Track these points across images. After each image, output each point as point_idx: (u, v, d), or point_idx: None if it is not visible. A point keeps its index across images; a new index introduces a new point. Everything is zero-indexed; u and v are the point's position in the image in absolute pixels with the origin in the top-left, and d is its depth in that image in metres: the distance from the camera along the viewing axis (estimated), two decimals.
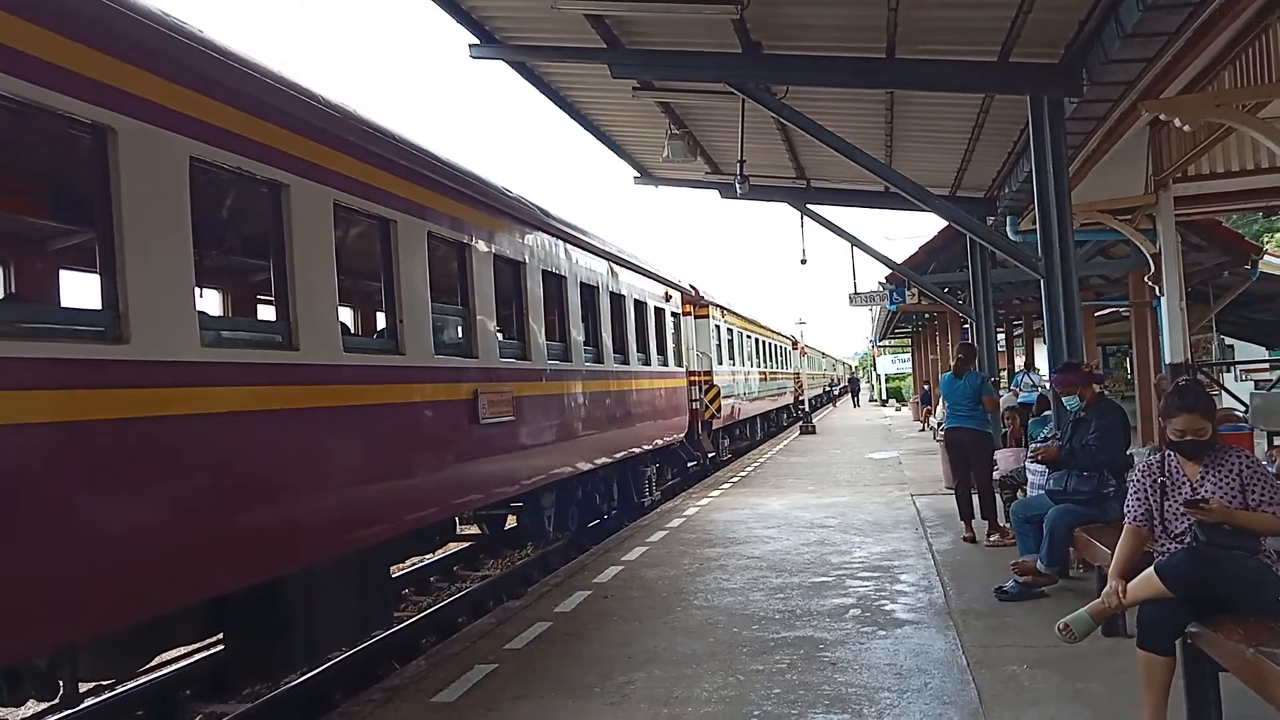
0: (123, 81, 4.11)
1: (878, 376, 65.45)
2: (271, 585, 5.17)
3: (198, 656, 7.29)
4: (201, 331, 4.55)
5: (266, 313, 7.75)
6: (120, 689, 6.53)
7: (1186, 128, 7.97)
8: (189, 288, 4.50)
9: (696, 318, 17.96)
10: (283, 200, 5.23)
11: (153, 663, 6.31)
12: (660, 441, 13.71)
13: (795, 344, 38.76)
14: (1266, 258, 16.46)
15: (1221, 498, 4.03)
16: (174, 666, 7.06)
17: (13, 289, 6.47)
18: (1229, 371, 17.80)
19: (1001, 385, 16.08)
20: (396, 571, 9.32)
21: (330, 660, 6.80)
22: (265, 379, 4.99)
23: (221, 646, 6.23)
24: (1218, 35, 7.02)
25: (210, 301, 8.09)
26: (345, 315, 9.18)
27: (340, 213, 5.78)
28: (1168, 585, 3.86)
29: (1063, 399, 6.62)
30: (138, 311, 4.10)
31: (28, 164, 5.43)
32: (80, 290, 6.81)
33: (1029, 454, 7.82)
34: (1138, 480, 4.35)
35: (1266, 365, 21.69)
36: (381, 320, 7.11)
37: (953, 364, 9.66)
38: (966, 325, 17.76)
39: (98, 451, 3.91)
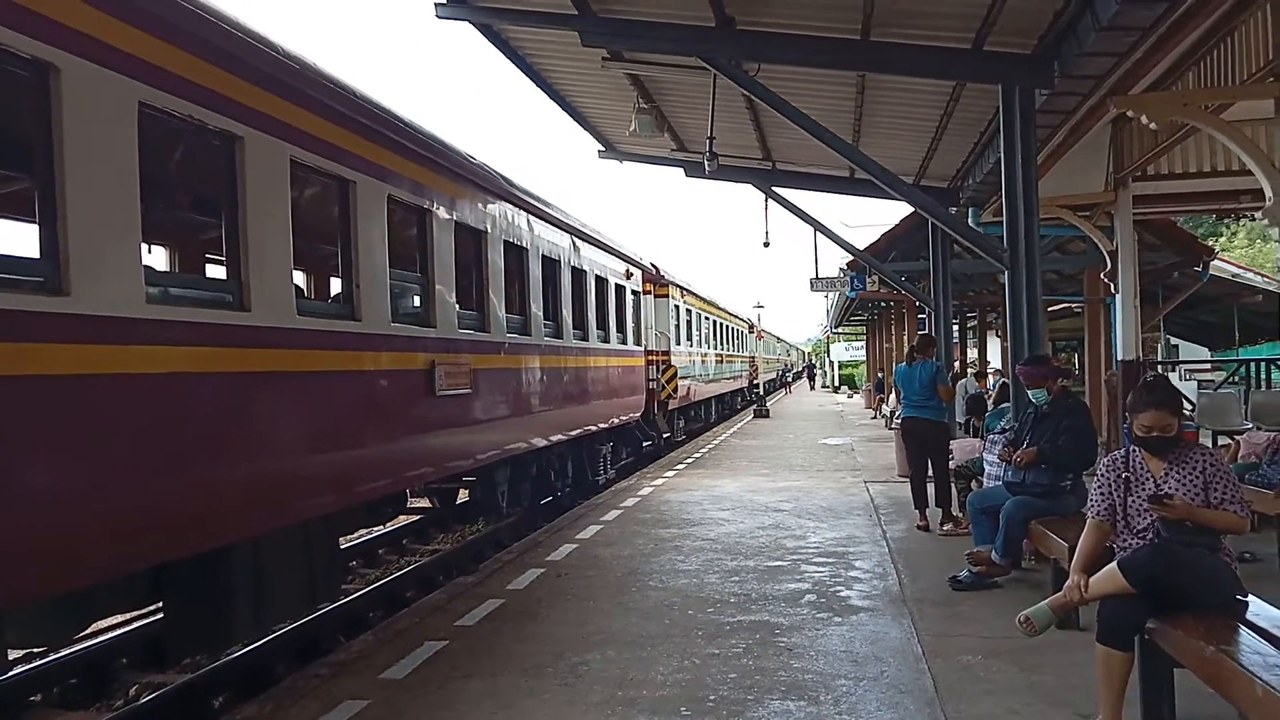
0: (68, 17, 3.85)
1: (831, 363, 66.07)
2: (215, 554, 4.98)
3: (135, 625, 7.04)
4: (147, 287, 4.32)
5: (216, 272, 7.48)
6: (52, 656, 6.28)
7: (1153, 125, 8.01)
8: (135, 241, 4.27)
9: (656, 297, 17.90)
10: (236, 153, 5.01)
11: (87, 630, 6.07)
12: (617, 420, 13.60)
13: (752, 328, 38.90)
14: (1217, 261, 16.82)
15: (1185, 495, 4.03)
16: (109, 635, 6.81)
17: None
18: (1174, 370, 18.19)
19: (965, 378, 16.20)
20: (344, 543, 9.11)
21: (275, 632, 6.62)
22: (213, 339, 4.77)
23: (160, 615, 6.01)
24: (1189, 33, 7.07)
25: (157, 257, 7.79)
26: (299, 278, 8.90)
27: (297, 170, 5.56)
28: (1130, 581, 3.85)
29: (1029, 392, 6.60)
30: (79, 263, 3.87)
31: None
32: (16, 240, 6.50)
33: (986, 446, 7.87)
34: (1102, 475, 4.34)
35: (1209, 366, 22.22)
36: (337, 285, 6.90)
37: (906, 353, 9.64)
38: (924, 315, 17.87)
39: (32, 410, 3.69)
